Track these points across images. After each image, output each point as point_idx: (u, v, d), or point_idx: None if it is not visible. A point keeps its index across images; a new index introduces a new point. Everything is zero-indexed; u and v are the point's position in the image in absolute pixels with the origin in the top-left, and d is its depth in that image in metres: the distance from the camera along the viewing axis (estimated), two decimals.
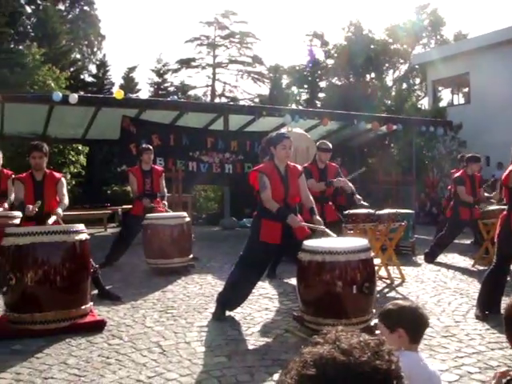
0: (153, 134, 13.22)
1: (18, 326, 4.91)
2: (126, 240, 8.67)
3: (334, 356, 1.16)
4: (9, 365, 4.15)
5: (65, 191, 6.51)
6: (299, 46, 76.14)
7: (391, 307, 2.72)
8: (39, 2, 34.33)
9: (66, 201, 6.46)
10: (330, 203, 7.60)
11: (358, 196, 7.42)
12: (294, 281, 6.78)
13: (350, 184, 7.45)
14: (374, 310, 4.79)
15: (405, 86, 32.97)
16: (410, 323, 2.60)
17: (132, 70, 35.71)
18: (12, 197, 7.76)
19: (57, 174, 6.58)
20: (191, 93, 39.93)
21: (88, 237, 5.36)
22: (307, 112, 16.55)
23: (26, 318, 4.88)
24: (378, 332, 4.66)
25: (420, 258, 9.14)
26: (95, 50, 39.54)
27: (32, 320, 4.88)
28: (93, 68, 36.50)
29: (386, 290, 6.88)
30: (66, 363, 4.18)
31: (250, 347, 4.60)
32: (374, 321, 4.89)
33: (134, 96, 21.92)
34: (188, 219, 8.27)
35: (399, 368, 1.20)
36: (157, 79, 39.09)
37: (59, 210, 6.15)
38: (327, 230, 5.16)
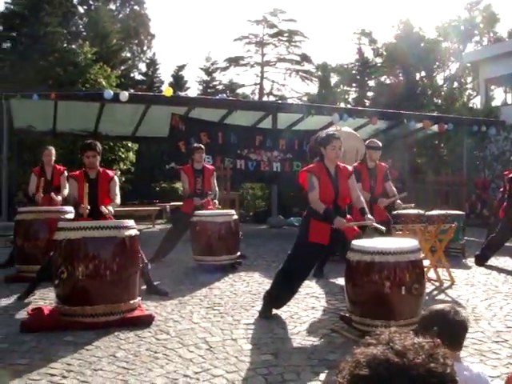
0: (201, 132, 13.31)
1: (69, 319, 5.01)
2: (174, 237, 8.77)
3: (388, 357, 1.14)
4: (60, 355, 4.24)
5: (117, 190, 6.55)
6: (347, 44, 75.45)
7: (424, 313, 2.61)
8: (91, 2, 35.01)
9: (118, 200, 6.51)
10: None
11: (399, 201, 7.36)
12: (340, 281, 6.74)
13: (394, 189, 7.41)
14: (422, 312, 4.72)
15: (456, 84, 32.37)
16: (443, 329, 2.41)
17: (181, 68, 36.02)
18: (65, 192, 7.95)
19: (110, 173, 6.65)
20: (239, 91, 40.03)
21: (137, 232, 5.43)
22: (356, 111, 16.41)
23: (77, 311, 4.98)
24: None
25: (470, 261, 8.96)
26: (145, 48, 40.03)
27: (82, 313, 4.97)
28: (143, 66, 37.05)
29: (435, 292, 6.77)
30: (115, 356, 4.25)
31: (297, 346, 4.59)
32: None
33: (183, 94, 22.11)
34: (236, 217, 8.31)
35: (454, 372, 1.18)
36: (205, 77, 39.37)
37: (110, 208, 6.20)
38: (376, 224, 5.12)
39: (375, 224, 5.18)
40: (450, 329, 2.48)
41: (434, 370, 1.13)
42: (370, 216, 5.24)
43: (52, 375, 3.84)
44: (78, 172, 6.56)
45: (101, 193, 6.32)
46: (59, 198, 8.04)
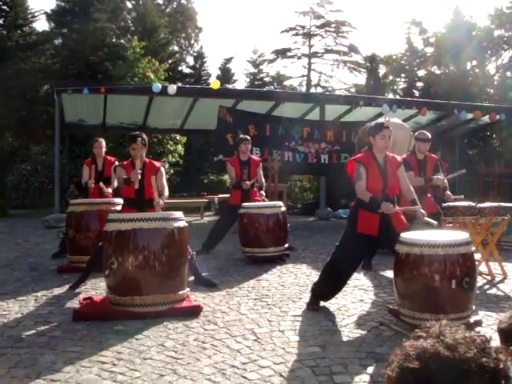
0: (249, 124, 13.33)
1: (119, 308, 5.10)
2: (223, 228, 8.83)
3: (438, 350, 1.12)
4: (110, 344, 4.32)
5: (164, 182, 6.56)
6: (396, 34, 74.27)
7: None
8: None
9: (166, 192, 6.51)
10: (429, 195, 7.39)
11: (449, 192, 7.21)
12: (389, 273, 6.68)
13: (446, 180, 7.26)
14: (473, 307, 4.64)
15: (509, 74, 31.53)
16: None
17: (228, 61, 36.18)
18: (115, 183, 8.08)
19: (156, 164, 6.68)
20: (287, 83, 40.00)
21: (186, 224, 5.48)
22: (405, 101, 16.18)
23: (127, 301, 5.07)
24: (478, 329, 4.52)
25: None
26: (192, 42, 40.30)
27: (132, 303, 5.06)
28: (190, 60, 37.32)
29: (487, 286, 6.62)
30: (164, 345, 4.30)
31: (344, 339, 4.56)
32: (474, 317, 4.73)
33: (230, 87, 22.19)
34: (284, 208, 8.29)
35: (508, 367, 1.15)
36: (253, 70, 39.45)
37: (160, 200, 6.20)
38: (427, 218, 5.05)
39: (426, 218, 5.09)
40: None
41: (486, 365, 1.11)
42: (422, 210, 5.16)
43: (103, 363, 3.92)
44: (125, 162, 6.65)
45: (147, 184, 6.35)
46: (109, 189, 8.15)
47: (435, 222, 5.09)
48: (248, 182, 8.40)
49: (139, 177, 6.19)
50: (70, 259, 7.49)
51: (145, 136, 6.60)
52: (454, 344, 1.13)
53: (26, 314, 5.29)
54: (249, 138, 8.90)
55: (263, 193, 8.70)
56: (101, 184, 8.11)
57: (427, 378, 1.09)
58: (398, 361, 1.16)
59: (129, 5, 34.50)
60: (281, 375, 3.72)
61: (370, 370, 3.82)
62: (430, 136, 7.39)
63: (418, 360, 1.12)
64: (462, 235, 4.72)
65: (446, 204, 7.29)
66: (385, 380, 1.20)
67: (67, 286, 6.34)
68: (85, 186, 8.52)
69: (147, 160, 6.60)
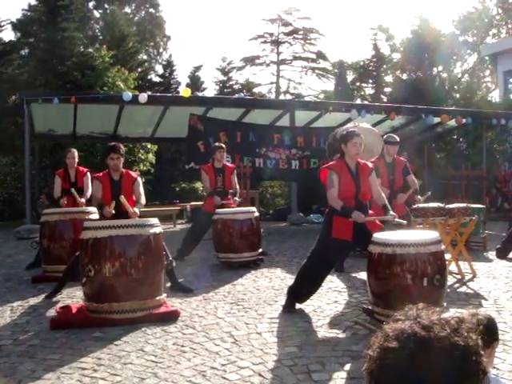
0: (220, 132, 13.41)
1: (97, 315, 5.13)
2: (196, 235, 8.87)
3: (415, 331, 1.21)
4: (90, 350, 4.35)
5: (141, 190, 6.65)
6: (363, 40, 75.12)
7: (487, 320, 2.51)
8: (106, 6, 35.27)
9: (143, 200, 6.60)
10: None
11: (419, 196, 7.40)
12: (362, 275, 6.82)
13: (416, 181, 7.48)
14: (444, 304, 4.77)
15: (474, 78, 32.11)
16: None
17: (198, 69, 36.10)
18: (88, 193, 8.07)
19: (133, 174, 6.74)
20: (256, 90, 40.07)
21: (162, 230, 5.53)
22: (374, 107, 16.39)
23: (104, 308, 5.10)
24: None
25: (491, 254, 8.93)
26: (161, 50, 40.22)
27: (110, 309, 5.09)
28: (159, 68, 37.13)
29: (457, 285, 6.79)
30: (143, 350, 4.35)
31: (321, 338, 4.66)
32: (446, 314, 4.85)
33: (200, 94, 22.22)
34: (257, 214, 8.38)
35: (478, 345, 1.24)
36: (222, 77, 39.42)
37: (136, 209, 6.25)
38: (398, 219, 5.19)
39: (397, 219, 5.23)
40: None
41: (458, 344, 1.20)
42: (392, 212, 5.29)
43: (83, 369, 3.96)
44: (101, 173, 6.65)
45: (124, 194, 6.32)
46: (83, 199, 8.13)
47: (405, 222, 5.23)
48: (218, 200, 8.42)
49: (111, 214, 6.20)
50: (44, 269, 7.45)
51: (122, 147, 6.62)
52: (429, 325, 1.23)
53: (2, 324, 5.27)
54: (224, 146, 8.97)
55: (237, 199, 8.74)
56: (72, 190, 8.07)
57: (405, 357, 1.18)
58: (378, 342, 1.24)
59: (96, 14, 34.38)
60: (260, 375, 3.80)
61: (347, 367, 3.92)
62: (398, 139, 7.55)
63: (397, 340, 1.21)
64: (432, 234, 4.86)
65: (416, 206, 7.44)
66: (366, 361, 1.28)
67: (43, 296, 6.33)
68: (57, 200, 8.49)
69: (124, 170, 6.62)
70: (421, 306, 1.34)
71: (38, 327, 5.09)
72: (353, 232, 5.17)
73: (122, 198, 6.10)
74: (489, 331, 2.36)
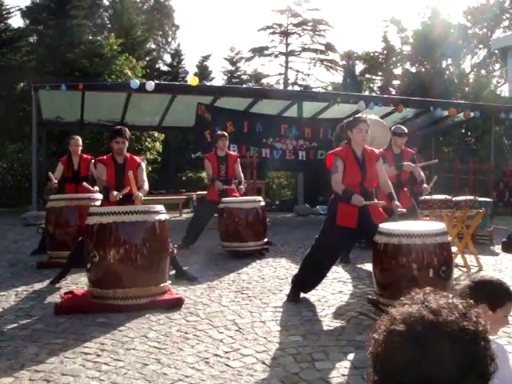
0: (227, 121, 13.38)
1: (101, 301, 5.12)
2: (200, 223, 8.86)
3: (423, 314, 1.19)
4: (93, 336, 4.35)
5: (145, 176, 6.61)
6: (373, 32, 74.76)
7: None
8: None
9: (146, 186, 6.54)
10: (406, 189, 7.49)
11: (426, 185, 7.31)
12: (367, 266, 6.80)
13: (422, 173, 7.40)
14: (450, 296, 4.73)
15: (483, 72, 31.92)
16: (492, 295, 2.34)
17: (206, 58, 36.11)
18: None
19: (137, 159, 6.72)
20: (264, 81, 40.02)
21: (167, 217, 5.51)
22: (382, 98, 16.32)
23: (109, 294, 5.09)
24: None
25: (498, 248, 8.91)
26: (169, 39, 40.16)
27: (114, 296, 5.08)
28: (167, 57, 37.17)
29: (463, 277, 6.75)
30: (147, 336, 4.34)
31: (325, 328, 4.64)
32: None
33: (208, 84, 22.18)
34: (263, 203, 8.36)
35: (486, 330, 1.22)
36: (230, 68, 39.40)
37: (140, 194, 6.22)
38: (402, 209, 5.15)
39: (401, 209, 5.19)
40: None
41: (467, 328, 1.18)
42: (397, 203, 5.25)
43: (86, 354, 3.95)
44: (105, 156, 6.64)
45: (126, 181, 6.30)
46: (96, 188, 8.00)
47: (404, 210, 5.20)
48: (220, 185, 8.39)
49: (118, 199, 6.20)
50: (49, 255, 7.46)
51: (128, 131, 6.60)
52: (437, 309, 1.20)
53: (6, 308, 5.28)
54: (226, 134, 8.95)
55: (242, 187, 8.70)
56: (84, 184, 8.03)
57: (413, 340, 1.16)
58: (384, 325, 1.22)
59: (106, 2, 34.30)
60: (263, 363, 3.78)
61: (351, 356, 3.90)
62: (406, 130, 7.51)
63: (404, 323, 1.18)
64: (438, 225, 4.82)
65: (423, 197, 7.40)
66: (371, 345, 1.26)
67: (48, 281, 6.33)
68: (49, 179, 8.44)
69: (128, 155, 6.60)
70: (428, 291, 1.31)
71: (42, 312, 5.09)
72: (358, 220, 5.14)
73: (130, 174, 6.07)
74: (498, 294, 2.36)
